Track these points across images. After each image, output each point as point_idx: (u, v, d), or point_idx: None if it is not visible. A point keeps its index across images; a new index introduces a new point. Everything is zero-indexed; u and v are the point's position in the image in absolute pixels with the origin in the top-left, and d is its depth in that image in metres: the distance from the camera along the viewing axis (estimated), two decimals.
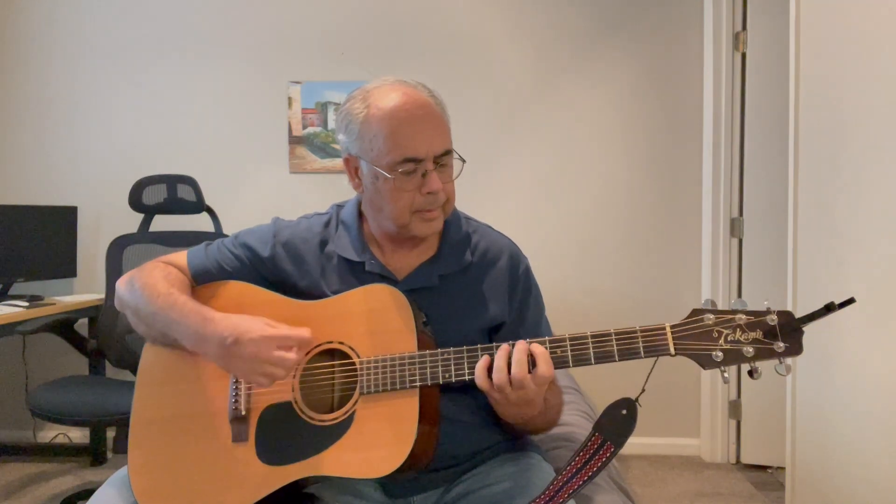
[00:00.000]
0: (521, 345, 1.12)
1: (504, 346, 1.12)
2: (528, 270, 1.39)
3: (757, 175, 3.18)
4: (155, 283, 1.28)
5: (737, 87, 3.22)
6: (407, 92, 1.25)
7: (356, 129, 1.25)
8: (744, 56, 3.20)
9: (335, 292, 1.29)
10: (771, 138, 3.08)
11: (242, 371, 1.15)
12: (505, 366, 1.10)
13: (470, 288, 1.33)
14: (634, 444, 3.33)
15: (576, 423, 1.85)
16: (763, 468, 3.19)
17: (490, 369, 1.12)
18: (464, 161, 1.29)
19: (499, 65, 3.41)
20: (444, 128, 1.27)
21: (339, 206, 1.42)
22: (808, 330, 1.03)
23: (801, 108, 2.28)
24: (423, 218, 1.26)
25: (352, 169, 1.32)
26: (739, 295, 3.21)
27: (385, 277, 1.30)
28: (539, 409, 1.18)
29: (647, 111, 3.39)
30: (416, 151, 1.21)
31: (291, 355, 1.14)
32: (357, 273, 1.32)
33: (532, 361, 1.11)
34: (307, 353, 1.23)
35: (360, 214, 1.38)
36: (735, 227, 3.25)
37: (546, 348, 1.12)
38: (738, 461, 3.29)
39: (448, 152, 1.26)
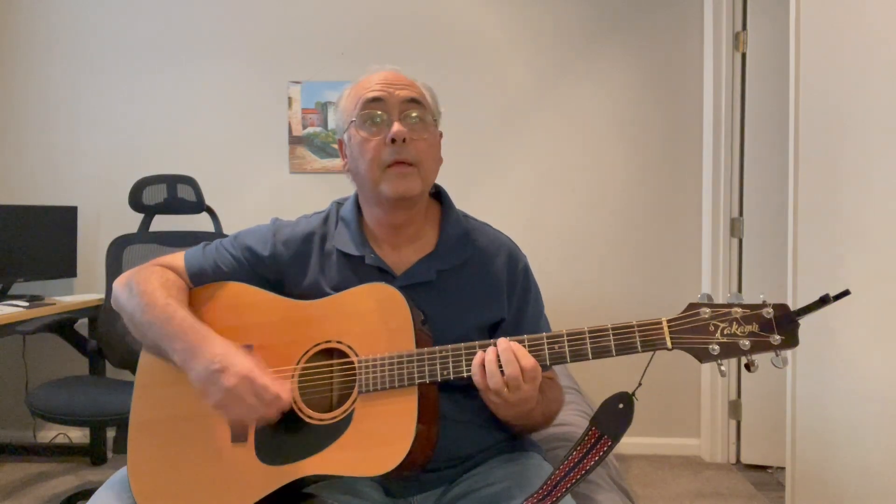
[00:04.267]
0: (503, 343, 1.11)
1: (491, 349, 1.12)
2: (526, 268, 1.40)
3: (757, 175, 3.18)
4: (153, 292, 1.27)
5: (737, 87, 3.23)
6: (389, 70, 1.33)
7: (340, 105, 1.34)
8: (744, 56, 3.20)
9: (335, 287, 1.29)
10: (771, 138, 3.08)
11: (215, 400, 1.14)
12: (497, 370, 1.10)
13: (468, 284, 1.33)
14: (634, 444, 3.34)
15: (576, 422, 1.85)
16: (763, 468, 3.18)
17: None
18: (436, 119, 1.32)
19: (499, 65, 3.42)
20: (416, 86, 1.31)
21: (339, 203, 1.42)
22: (808, 330, 1.03)
23: (801, 108, 2.28)
24: (393, 173, 1.25)
25: (342, 150, 1.36)
26: None
27: (384, 272, 1.31)
28: (534, 403, 1.18)
29: (647, 111, 3.39)
30: (376, 93, 1.26)
31: (260, 408, 1.13)
32: (356, 267, 1.32)
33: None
34: (305, 353, 1.23)
35: (360, 210, 1.38)
36: (735, 227, 3.25)
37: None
38: (738, 461, 3.28)
39: (416, 102, 1.28)
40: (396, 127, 1.24)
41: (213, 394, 1.14)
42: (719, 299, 1.07)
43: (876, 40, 1.95)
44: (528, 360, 1.10)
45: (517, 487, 1.19)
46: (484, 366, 1.11)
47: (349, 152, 1.32)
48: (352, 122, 1.29)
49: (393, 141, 1.24)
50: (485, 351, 1.13)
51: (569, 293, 3.37)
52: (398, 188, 1.26)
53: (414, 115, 1.28)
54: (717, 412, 3.31)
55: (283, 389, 1.14)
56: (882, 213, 1.91)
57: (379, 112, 1.26)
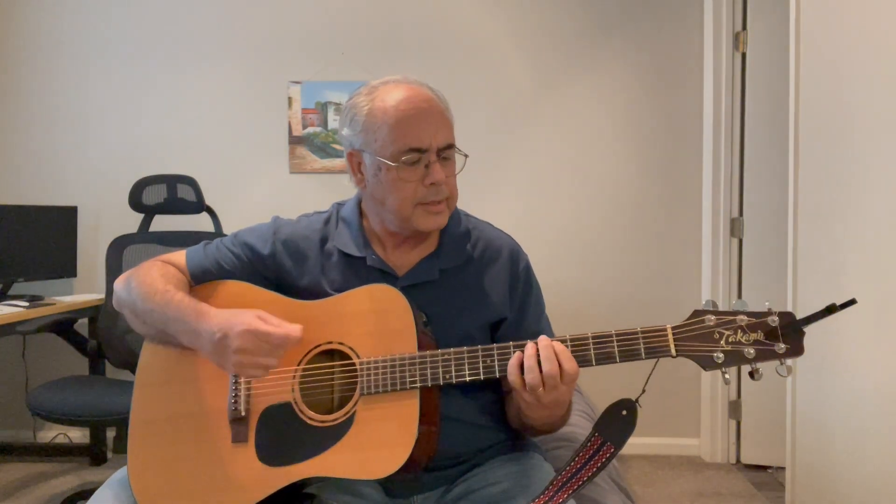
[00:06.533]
0: (544, 341, 1.11)
1: (531, 344, 1.12)
2: (528, 267, 1.40)
3: (757, 175, 3.18)
4: (152, 281, 1.28)
5: (737, 87, 3.22)
6: (411, 87, 1.27)
7: (360, 122, 1.27)
8: (744, 56, 3.20)
9: (336, 289, 1.29)
10: (771, 138, 3.07)
11: (231, 365, 1.14)
12: (536, 365, 1.09)
13: (471, 283, 1.33)
14: (634, 444, 3.32)
15: (576, 422, 1.84)
16: (763, 468, 3.19)
17: (522, 367, 1.11)
18: (466, 156, 1.30)
19: (499, 64, 3.41)
20: (448, 123, 1.29)
21: (340, 205, 1.42)
22: (808, 330, 1.03)
23: (801, 108, 2.28)
24: (427, 211, 1.26)
25: (355, 164, 1.32)
26: (739, 295, 3.21)
27: (386, 273, 1.31)
28: (566, 408, 1.19)
29: (647, 111, 3.39)
30: (420, 141, 1.23)
31: (276, 351, 1.13)
32: (357, 268, 1.32)
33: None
34: (306, 354, 1.22)
35: (361, 212, 1.38)
36: (735, 227, 3.25)
37: (567, 346, 1.11)
38: (738, 461, 3.29)
39: (451, 146, 1.28)
40: (438, 173, 1.24)
41: (226, 362, 1.15)
42: (719, 300, 1.07)
43: (876, 40, 1.95)
44: (572, 363, 1.10)
45: (518, 487, 1.20)
46: (521, 365, 1.11)
47: (373, 180, 1.28)
48: (386, 160, 1.24)
49: (432, 184, 1.25)
50: (491, 356, 1.13)
51: (568, 293, 3.37)
52: (430, 225, 1.28)
53: (448, 156, 1.28)
54: (717, 412, 3.31)
55: (290, 328, 1.14)
56: (882, 212, 1.91)
57: (420, 157, 1.24)
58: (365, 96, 1.28)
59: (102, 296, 2.94)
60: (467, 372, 1.15)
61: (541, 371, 1.09)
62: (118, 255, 2.78)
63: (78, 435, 3.43)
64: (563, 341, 1.13)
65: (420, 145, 1.23)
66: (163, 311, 1.23)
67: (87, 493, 2.67)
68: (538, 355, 1.10)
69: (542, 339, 1.12)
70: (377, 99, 1.26)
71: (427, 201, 1.25)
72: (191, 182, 2.90)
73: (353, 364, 1.19)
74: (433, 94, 1.29)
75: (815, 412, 2.23)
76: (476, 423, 1.29)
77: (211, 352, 1.16)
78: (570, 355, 1.11)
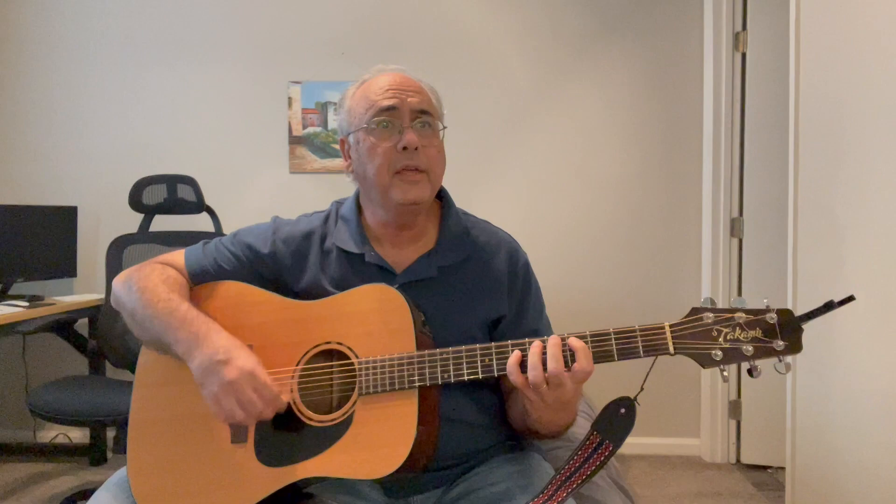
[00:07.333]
0: (554, 339, 1.09)
1: (537, 342, 1.10)
2: (527, 265, 1.40)
3: (757, 175, 3.18)
4: (155, 287, 1.27)
5: (737, 87, 3.22)
6: (396, 72, 1.33)
7: (345, 107, 1.33)
8: (744, 56, 3.20)
9: (335, 286, 1.29)
10: (771, 138, 3.08)
11: (212, 391, 1.13)
12: (539, 363, 1.08)
13: (469, 281, 1.33)
14: (634, 444, 3.34)
15: (576, 422, 1.84)
16: (763, 468, 3.19)
17: (523, 365, 1.10)
18: (444, 127, 1.33)
19: (499, 65, 3.41)
20: (424, 92, 1.32)
21: (339, 203, 1.43)
22: (808, 329, 1.03)
23: (801, 108, 2.28)
24: (402, 180, 1.26)
25: (345, 151, 1.36)
26: (739, 294, 3.21)
27: (384, 269, 1.31)
28: (575, 415, 1.18)
29: (648, 111, 3.39)
30: (389, 101, 1.26)
31: (259, 404, 1.13)
32: (356, 265, 1.32)
33: (571, 356, 1.09)
34: (305, 354, 1.22)
35: (360, 209, 1.38)
36: (735, 227, 3.25)
37: (587, 343, 1.09)
38: (738, 461, 3.29)
39: (427, 112, 1.29)
40: (410, 136, 1.25)
41: (210, 384, 1.13)
42: (719, 299, 1.07)
43: (876, 40, 1.95)
44: (589, 362, 1.08)
45: (517, 488, 1.19)
46: (520, 364, 1.10)
47: (355, 155, 1.32)
48: (362, 127, 1.28)
49: (405, 149, 1.25)
50: (489, 355, 1.13)
51: (568, 293, 3.37)
52: (408, 195, 1.26)
53: (424, 122, 1.29)
54: (717, 412, 3.31)
55: (282, 391, 1.15)
56: (882, 212, 1.91)
57: (392, 120, 1.26)
58: (354, 86, 1.34)
59: (102, 296, 2.95)
60: (466, 371, 1.14)
61: (545, 369, 1.08)
62: (118, 255, 2.78)
63: (78, 435, 3.44)
64: (562, 339, 1.12)
65: (390, 104, 1.26)
66: (164, 319, 1.22)
67: (87, 493, 2.68)
68: (544, 353, 1.09)
69: (553, 338, 1.10)
70: (363, 85, 1.32)
71: (401, 167, 1.25)
72: (191, 182, 2.90)
73: (352, 364, 1.19)
74: (415, 79, 1.33)
75: (815, 412, 2.23)
76: (475, 423, 1.29)
77: (202, 367, 1.14)
78: (589, 353, 1.09)
